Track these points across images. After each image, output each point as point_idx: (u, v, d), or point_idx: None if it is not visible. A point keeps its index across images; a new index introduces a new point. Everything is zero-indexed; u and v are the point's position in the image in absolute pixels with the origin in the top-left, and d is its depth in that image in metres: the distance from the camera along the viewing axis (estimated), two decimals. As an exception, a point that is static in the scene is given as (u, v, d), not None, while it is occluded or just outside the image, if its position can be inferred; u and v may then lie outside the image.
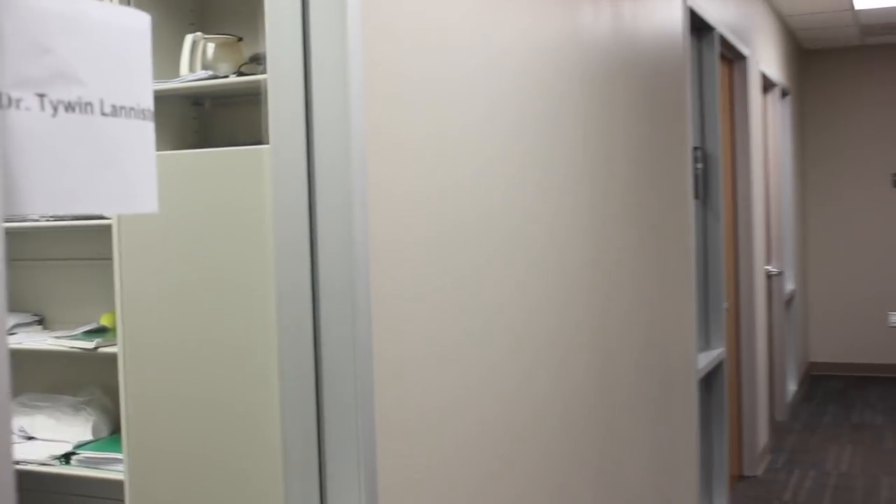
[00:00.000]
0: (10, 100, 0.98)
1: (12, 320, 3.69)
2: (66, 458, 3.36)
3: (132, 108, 1.12)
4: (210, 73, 2.91)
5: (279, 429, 1.81)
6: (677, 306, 4.45)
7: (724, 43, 6.02)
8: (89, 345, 3.25)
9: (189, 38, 2.98)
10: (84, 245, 3.59)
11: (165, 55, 3.08)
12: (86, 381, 3.58)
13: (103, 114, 1.07)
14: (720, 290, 5.52)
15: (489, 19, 2.37)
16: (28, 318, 3.72)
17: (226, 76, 2.88)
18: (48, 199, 1.02)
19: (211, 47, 2.99)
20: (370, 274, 1.72)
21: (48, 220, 3.45)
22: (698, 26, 5.32)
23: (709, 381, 5.68)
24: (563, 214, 2.91)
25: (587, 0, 3.13)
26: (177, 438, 2.67)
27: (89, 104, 1.06)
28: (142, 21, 1.16)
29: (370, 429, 1.75)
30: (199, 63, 2.96)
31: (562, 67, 2.88)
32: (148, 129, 1.16)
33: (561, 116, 2.87)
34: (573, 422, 3.04)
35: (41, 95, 1.01)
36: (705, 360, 5.27)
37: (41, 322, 3.81)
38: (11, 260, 3.81)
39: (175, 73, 3.03)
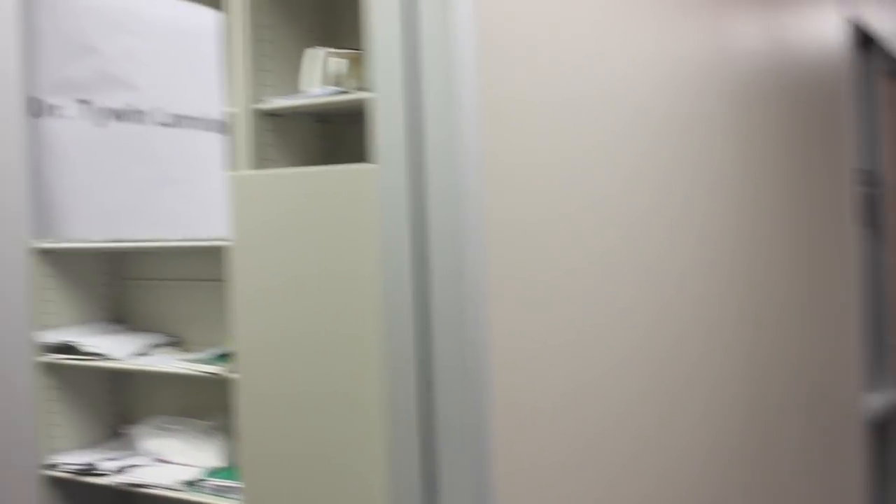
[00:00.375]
0: (46, 106, 0.86)
1: (148, 340, 3.70)
2: (194, 483, 3.33)
3: (195, 118, 0.99)
4: (335, 89, 2.83)
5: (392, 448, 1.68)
6: (837, 341, 4.10)
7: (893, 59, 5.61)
8: (216, 369, 3.21)
9: (313, 53, 2.90)
10: (222, 265, 3.57)
11: (291, 70, 3.02)
12: (216, 405, 3.55)
13: (159, 123, 0.94)
14: (889, 325, 5.11)
15: (618, 35, 2.18)
16: (163, 339, 3.72)
17: (349, 91, 2.79)
18: (89, 221, 0.89)
19: (336, 62, 2.90)
20: (485, 308, 1.57)
21: (187, 240, 3.43)
22: (864, 40, 4.96)
23: (884, 427, 5.25)
24: (705, 244, 2.68)
25: (733, 13, 2.90)
26: (290, 460, 2.57)
27: (141, 112, 0.93)
28: (209, 20, 1.03)
29: (484, 445, 1.58)
30: (324, 78, 2.88)
31: (704, 85, 2.65)
32: (216, 141, 1.02)
33: (703, 138, 2.65)
34: (719, 466, 2.79)
35: (84, 102, 0.88)
36: (876, 401, 4.85)
37: (177, 343, 3.81)
38: (149, 279, 3.84)
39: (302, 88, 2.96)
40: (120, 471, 3.39)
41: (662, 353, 2.43)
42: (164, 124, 0.93)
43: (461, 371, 1.56)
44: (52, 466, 3.50)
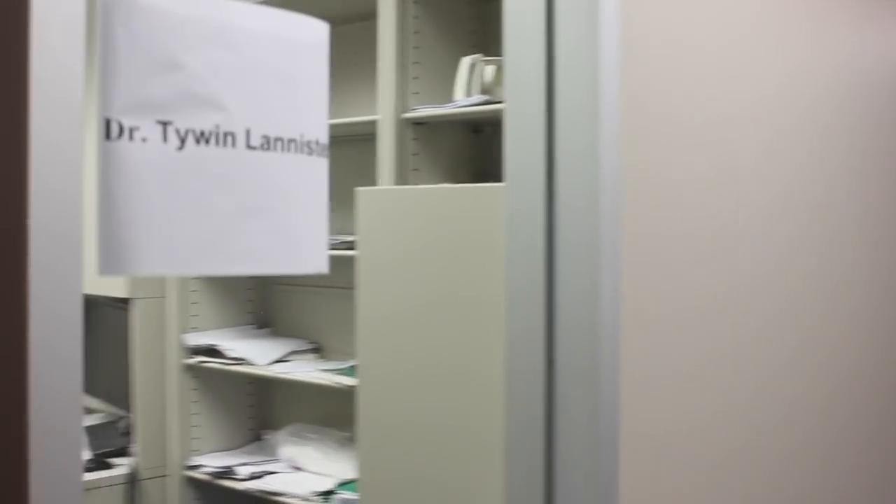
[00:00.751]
0: (120, 128, 0.77)
1: (289, 346, 3.68)
2: (326, 495, 3.29)
3: (293, 141, 0.88)
4: (485, 97, 2.71)
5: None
6: None
7: None
8: (349, 381, 3.14)
9: (467, 61, 2.80)
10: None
11: (441, 78, 2.92)
12: (353, 415, 3.49)
13: (249, 146, 0.84)
14: None
15: (769, 45, 1.98)
16: (304, 346, 3.70)
17: (500, 100, 2.66)
18: (164, 255, 0.80)
19: (490, 70, 2.79)
20: (619, 340, 1.42)
21: (334, 247, 3.39)
22: None
23: None
24: (853, 253, 2.42)
25: (878, 18, 2.62)
26: (409, 474, 2.47)
27: (231, 135, 0.83)
28: (316, 32, 0.92)
29: (611, 470, 1.42)
30: (476, 86, 2.77)
31: (872, 97, 2.40)
32: (317, 166, 0.91)
33: (866, 154, 2.40)
34: (845, 477, 2.54)
35: (165, 123, 0.79)
36: None
37: (317, 350, 3.78)
38: (295, 284, 3.82)
39: (451, 97, 2.85)
40: (256, 476, 3.39)
41: (811, 375, 2.22)
42: (256, 147, 0.82)
43: (588, 406, 1.41)
44: (192, 467, 3.53)
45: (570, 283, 1.36)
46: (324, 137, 0.92)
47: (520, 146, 1.33)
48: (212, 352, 3.57)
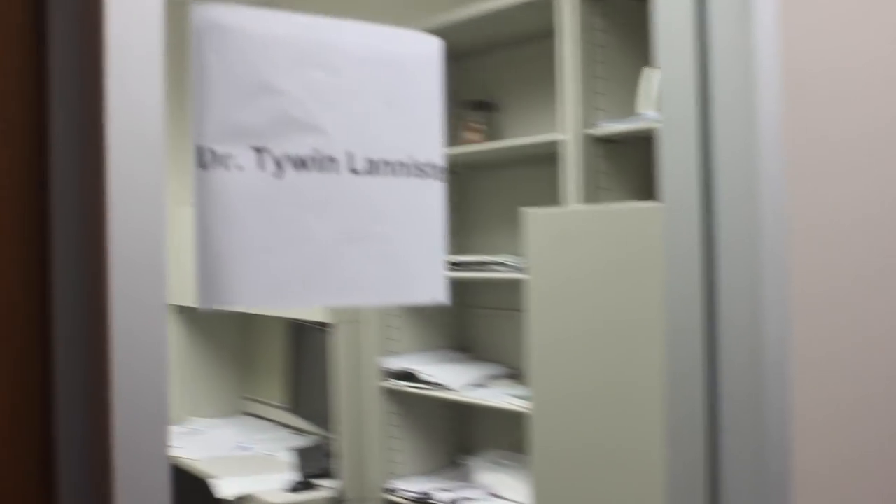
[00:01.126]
0: (213, 156, 0.75)
1: (486, 371, 3.65)
2: (523, 522, 3.23)
3: (402, 163, 0.84)
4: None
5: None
6: None
7: None
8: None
9: (650, 73, 2.68)
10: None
11: (626, 92, 2.81)
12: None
13: (352, 171, 0.81)
14: None
15: None
16: (502, 371, 3.66)
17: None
18: (263, 287, 0.77)
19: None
20: (788, 374, 1.28)
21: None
22: None
23: None
24: None
25: None
26: (583, 499, 2.37)
27: (331, 159, 0.80)
28: (427, 48, 0.88)
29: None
30: (656, 101, 2.65)
31: None
32: (431, 189, 0.87)
33: None
34: None
35: (260, 150, 0.77)
36: None
37: (515, 376, 3.73)
38: (493, 308, 3.80)
39: (630, 111, 2.75)
40: (453, 503, 3.37)
41: None
42: (360, 171, 0.78)
43: (752, 435, 1.29)
44: (391, 491, 3.55)
45: (732, 302, 1.25)
46: (438, 158, 0.86)
47: (675, 163, 1.23)
48: (409, 376, 3.59)
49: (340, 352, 3.65)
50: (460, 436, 3.84)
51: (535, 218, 2.42)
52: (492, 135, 3.62)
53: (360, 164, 0.78)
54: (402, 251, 0.81)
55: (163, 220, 0.70)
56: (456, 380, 3.51)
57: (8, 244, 0.74)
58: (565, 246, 2.33)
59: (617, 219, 2.26)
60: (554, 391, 2.42)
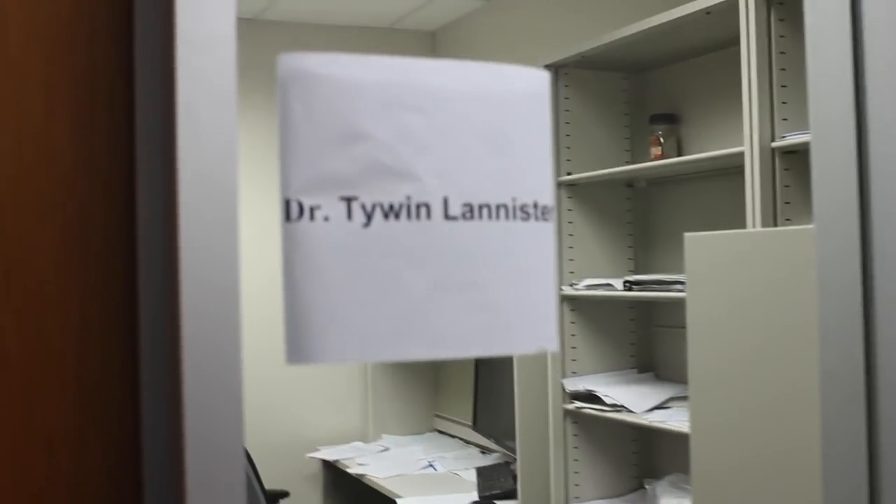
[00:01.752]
0: (300, 208, 0.73)
1: (669, 392, 3.52)
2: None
3: (503, 206, 0.80)
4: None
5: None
6: None
7: None
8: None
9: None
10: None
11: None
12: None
13: (448, 217, 0.77)
14: None
15: None
16: (685, 392, 3.52)
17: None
18: (358, 342, 0.75)
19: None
20: None
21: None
22: None
23: None
24: None
25: None
26: None
27: (425, 206, 0.76)
28: (534, 82, 0.83)
29: None
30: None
31: None
32: (536, 232, 0.82)
33: None
34: None
35: (349, 199, 0.74)
36: None
37: (701, 397, 3.58)
38: (677, 327, 3.66)
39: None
40: (635, 529, 3.27)
41: None
42: (456, 217, 0.75)
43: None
44: (573, 515, 3.49)
45: (891, 321, 1.13)
46: (545, 198, 0.82)
47: (828, 185, 1.13)
48: (591, 397, 3.52)
49: (524, 371, 3.62)
50: (643, 458, 3.73)
51: (693, 242, 2.38)
52: (675, 148, 3.50)
53: (457, 210, 0.75)
54: (504, 299, 0.76)
55: (235, 250, 0.70)
56: (638, 402, 3.40)
57: (101, 265, 0.75)
58: (723, 269, 2.26)
59: (774, 241, 2.19)
60: (714, 411, 2.36)
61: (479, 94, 0.79)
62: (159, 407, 0.72)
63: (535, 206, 0.81)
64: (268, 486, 3.95)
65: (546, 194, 0.83)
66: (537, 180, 0.82)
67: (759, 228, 2.62)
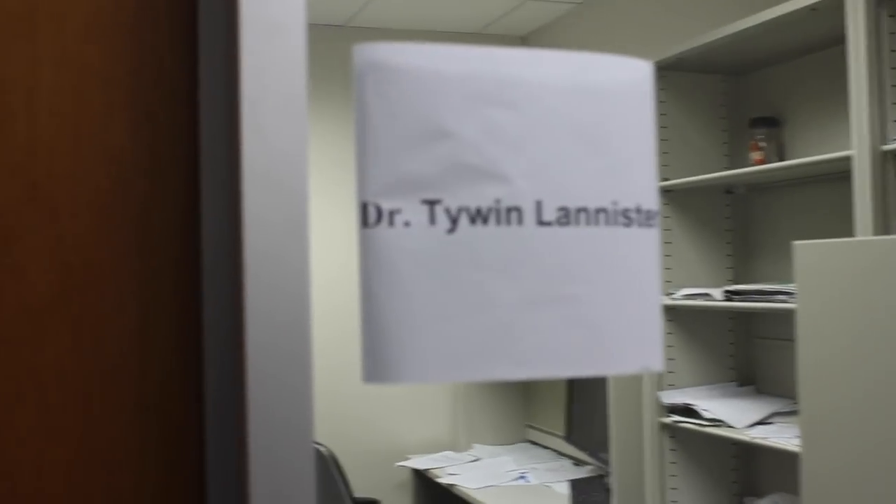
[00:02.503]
0: (378, 213, 0.67)
1: (771, 407, 3.37)
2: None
3: (602, 210, 0.72)
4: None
5: None
6: None
7: None
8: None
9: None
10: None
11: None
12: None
13: (541, 222, 0.70)
14: None
15: None
16: (789, 407, 3.36)
17: None
18: (441, 360, 0.68)
19: None
20: None
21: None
22: None
23: None
24: None
25: None
26: None
27: (516, 210, 0.70)
28: (635, 75, 0.76)
29: None
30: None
31: None
32: (640, 239, 0.74)
33: None
34: None
35: (432, 202, 0.68)
36: None
37: (805, 412, 3.41)
38: (779, 339, 3.50)
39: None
40: (735, 549, 3.13)
41: None
42: (551, 223, 0.68)
43: None
44: (670, 533, 3.36)
45: None
46: (649, 202, 0.74)
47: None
48: (688, 411, 3.39)
49: (619, 383, 3.52)
50: (743, 476, 3.58)
51: (804, 250, 2.27)
52: (776, 153, 3.36)
53: (551, 215, 0.68)
54: (603, 313, 0.69)
55: (305, 254, 0.64)
56: (738, 417, 3.27)
57: (162, 272, 0.70)
58: (835, 278, 2.14)
59: (891, 250, 2.06)
60: (826, 429, 2.23)
61: (575, 87, 0.71)
62: (225, 424, 0.67)
63: (638, 210, 0.73)
64: (357, 494, 3.92)
65: (650, 198, 0.75)
66: (640, 182, 0.74)
67: (872, 236, 2.48)
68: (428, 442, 5.19)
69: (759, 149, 3.33)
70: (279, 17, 0.61)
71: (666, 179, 3.45)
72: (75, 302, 0.67)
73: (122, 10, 0.67)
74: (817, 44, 3.13)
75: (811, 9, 2.72)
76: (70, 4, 0.66)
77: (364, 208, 0.67)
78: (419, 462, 4.84)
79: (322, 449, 3.78)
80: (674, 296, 3.44)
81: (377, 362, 0.67)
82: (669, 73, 3.49)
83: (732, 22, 3.08)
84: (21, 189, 0.66)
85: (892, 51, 2.50)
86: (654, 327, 0.74)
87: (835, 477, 2.22)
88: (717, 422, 3.25)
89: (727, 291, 3.21)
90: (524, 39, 5.45)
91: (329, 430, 4.79)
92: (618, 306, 0.72)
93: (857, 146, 2.53)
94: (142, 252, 0.68)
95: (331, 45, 4.21)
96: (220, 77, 0.66)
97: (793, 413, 3.37)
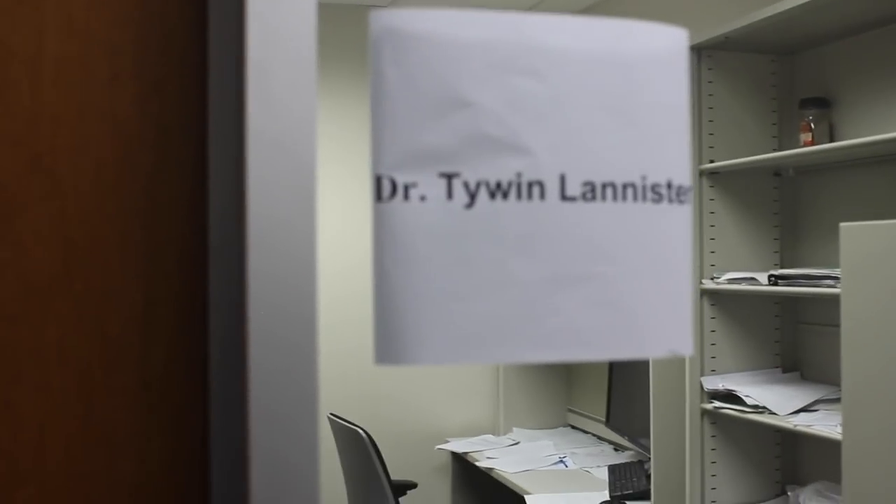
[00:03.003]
0: (393, 186, 0.64)
1: (816, 394, 3.30)
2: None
3: (630, 185, 0.69)
4: None
5: None
6: None
7: None
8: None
9: None
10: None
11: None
12: None
13: (565, 197, 0.67)
14: None
15: None
16: (834, 394, 3.29)
17: None
18: (458, 342, 0.66)
19: None
20: None
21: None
22: None
23: None
24: None
25: None
26: None
27: (538, 184, 0.66)
28: (669, 42, 0.72)
29: None
30: None
31: None
32: (670, 217, 0.71)
33: None
34: None
35: (450, 175, 0.65)
36: None
37: (852, 400, 3.34)
38: (825, 325, 3.43)
39: None
40: (777, 538, 3.07)
41: None
42: (575, 198, 0.65)
43: None
44: (709, 520, 3.31)
45: None
46: (681, 177, 0.70)
47: None
48: (731, 397, 3.33)
49: (660, 368, 3.47)
50: (786, 463, 3.52)
51: (850, 232, 2.20)
52: (827, 134, 3.28)
53: (576, 189, 0.64)
54: (630, 294, 0.65)
55: (312, 234, 0.61)
56: (782, 403, 3.21)
57: (168, 250, 0.68)
58: (883, 262, 2.08)
59: None
60: (870, 417, 2.18)
61: (603, 55, 0.68)
62: (229, 409, 0.64)
63: (669, 185, 0.70)
64: (395, 476, 3.91)
65: (682, 172, 0.71)
66: (672, 156, 0.71)
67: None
68: (467, 425, 5.17)
69: (809, 130, 3.25)
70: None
71: (712, 161, 3.39)
72: (78, 278, 0.64)
73: (128, -24, 0.64)
74: (867, 23, 3.05)
75: (863, -15, 2.64)
76: (75, -29, 0.63)
77: (378, 181, 0.64)
78: (458, 445, 4.83)
79: (360, 431, 3.77)
80: (718, 280, 3.37)
81: (390, 343, 0.64)
82: (716, 53, 3.41)
83: (780, 0, 3.00)
84: (23, 161, 0.64)
85: (948, 28, 2.42)
86: (685, 310, 0.71)
87: (876, 465, 2.17)
88: (760, 408, 3.19)
89: (772, 276, 3.14)
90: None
91: (367, 413, 4.79)
92: (646, 287, 0.68)
93: (906, 131, 2.45)
94: (147, 227, 0.66)
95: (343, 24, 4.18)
96: (229, 45, 0.63)
97: (838, 400, 3.29)
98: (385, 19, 0.64)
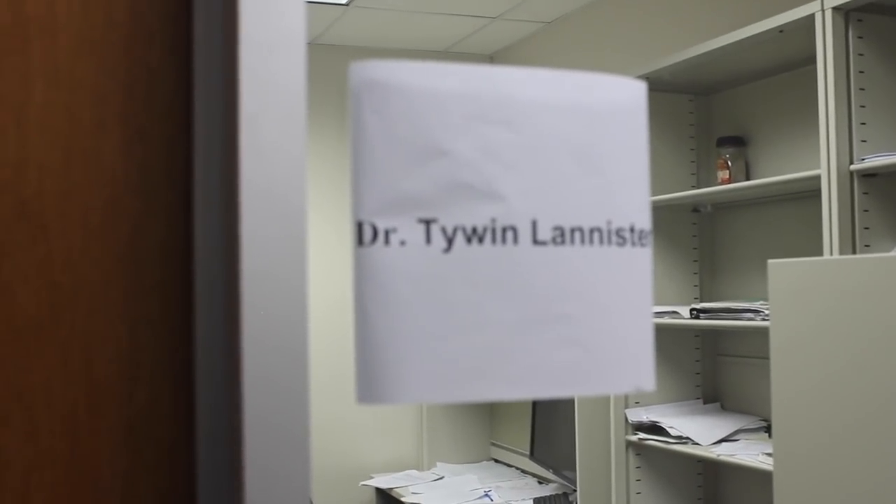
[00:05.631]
0: (374, 231, 0.66)
1: (737, 424, 3.39)
2: None
3: (597, 230, 0.72)
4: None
5: None
6: None
7: None
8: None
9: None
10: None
11: (892, 122, 2.52)
12: None
13: (537, 242, 0.70)
14: None
15: None
16: (754, 424, 3.38)
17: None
18: (435, 381, 0.68)
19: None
20: None
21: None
22: None
23: None
24: None
25: None
26: None
27: (511, 229, 0.69)
28: (629, 94, 0.76)
29: None
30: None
31: None
32: (633, 259, 0.74)
33: None
34: None
35: (428, 221, 0.67)
36: None
37: (769, 429, 3.44)
38: (742, 357, 3.53)
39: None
40: (703, 567, 3.13)
41: None
42: (546, 242, 0.67)
43: None
44: (636, 551, 3.36)
45: None
46: (642, 222, 0.74)
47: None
48: (655, 428, 3.40)
49: (585, 400, 3.52)
50: (709, 493, 3.60)
51: (777, 268, 2.29)
52: (743, 171, 3.39)
53: (547, 234, 0.67)
54: (597, 333, 0.68)
55: (303, 277, 0.63)
56: (704, 434, 3.29)
57: (154, 294, 0.69)
58: (809, 297, 2.16)
59: (863, 268, 2.09)
60: (799, 445, 2.25)
61: (570, 106, 0.71)
62: (216, 449, 0.65)
63: (632, 229, 0.73)
64: (322, 513, 3.88)
65: (643, 217, 0.75)
66: (634, 202, 0.74)
67: (841, 255, 2.51)
68: (391, 460, 5.16)
69: (726, 167, 3.36)
70: (279, 34, 0.60)
71: (633, 198, 3.47)
72: (64, 322, 0.65)
73: (115, 26, 0.65)
74: (785, 64, 3.18)
75: (779, 30, 2.76)
76: (63, 19, 0.64)
77: (359, 227, 0.66)
78: (382, 481, 4.81)
79: (287, 467, 3.74)
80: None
81: (371, 383, 0.66)
82: (637, 93, 3.51)
83: (700, 43, 3.11)
84: (10, 206, 0.64)
85: (861, 72, 2.54)
86: (648, 347, 0.74)
87: (808, 495, 2.23)
88: (683, 439, 3.26)
89: (694, 309, 3.23)
90: (491, 59, 5.46)
91: (293, 448, 4.74)
92: (611, 326, 0.72)
93: (827, 165, 2.56)
94: (132, 272, 0.66)
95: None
96: (214, 95, 0.65)
97: (759, 430, 3.39)
98: (365, 71, 0.67)
